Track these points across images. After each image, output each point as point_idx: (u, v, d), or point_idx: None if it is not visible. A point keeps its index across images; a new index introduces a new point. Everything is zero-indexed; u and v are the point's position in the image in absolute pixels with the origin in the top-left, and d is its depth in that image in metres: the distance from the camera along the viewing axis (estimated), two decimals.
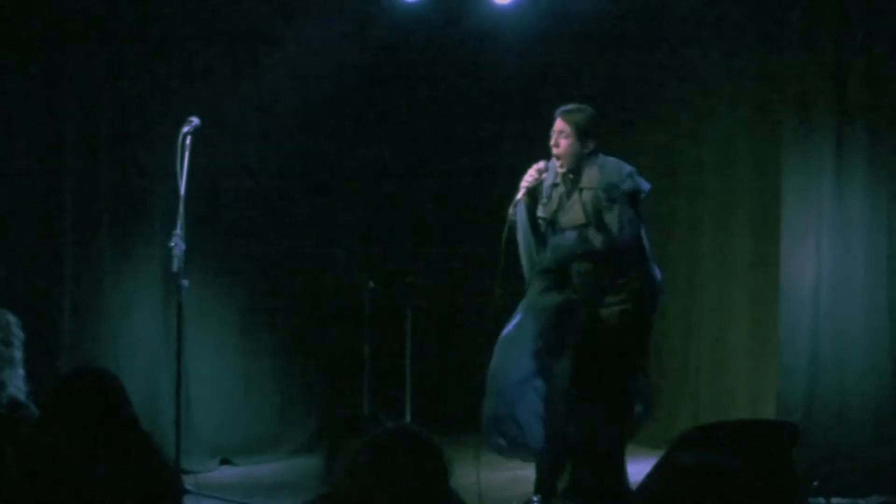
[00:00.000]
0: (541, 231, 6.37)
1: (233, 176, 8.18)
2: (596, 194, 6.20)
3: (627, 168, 6.27)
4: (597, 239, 6.20)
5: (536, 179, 6.28)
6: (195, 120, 6.65)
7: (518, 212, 6.36)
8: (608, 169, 6.25)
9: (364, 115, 8.72)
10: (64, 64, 7.44)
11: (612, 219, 6.16)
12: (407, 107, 8.97)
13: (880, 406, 6.65)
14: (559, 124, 6.27)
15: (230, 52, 8.11)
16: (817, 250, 6.77)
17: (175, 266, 6.64)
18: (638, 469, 6.19)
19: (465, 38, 8.96)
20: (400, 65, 8.90)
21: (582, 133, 6.24)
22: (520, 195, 6.30)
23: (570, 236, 6.29)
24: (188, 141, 6.62)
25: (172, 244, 6.62)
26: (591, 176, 6.24)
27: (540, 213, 6.35)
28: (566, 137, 6.24)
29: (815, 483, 6.15)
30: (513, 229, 6.40)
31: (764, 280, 7.18)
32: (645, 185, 6.29)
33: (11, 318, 5.32)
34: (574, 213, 6.27)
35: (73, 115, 7.47)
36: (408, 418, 7.34)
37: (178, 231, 6.61)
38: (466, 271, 9.21)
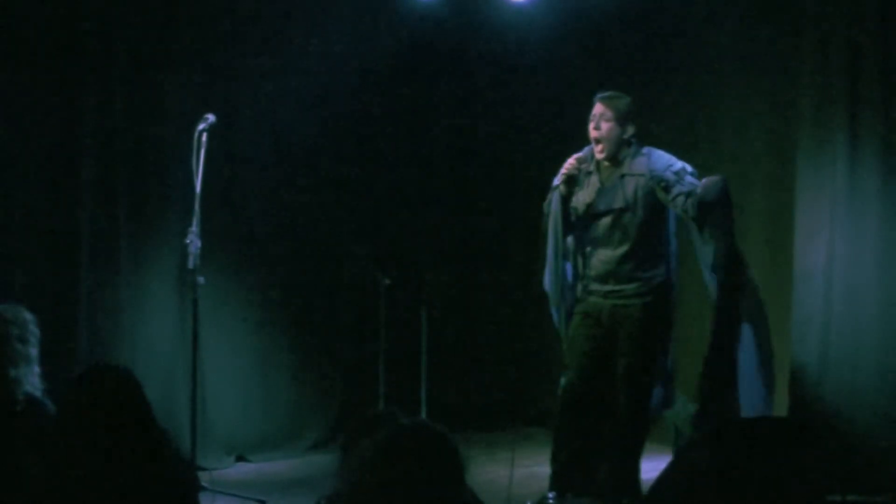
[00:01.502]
0: (571, 221, 6.34)
1: (249, 173, 8.19)
2: (640, 181, 6.19)
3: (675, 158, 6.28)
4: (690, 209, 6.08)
5: (575, 168, 6.25)
6: (211, 117, 6.66)
7: (553, 202, 6.34)
8: (655, 156, 6.25)
9: (379, 111, 8.72)
10: (80, 62, 7.46)
11: (689, 185, 6.10)
12: (422, 103, 8.97)
13: (894, 401, 6.63)
14: (599, 108, 6.27)
15: (246, 49, 8.12)
16: (831, 245, 6.75)
17: (191, 263, 6.64)
18: (651, 466, 6.20)
19: (480, 35, 8.96)
20: (415, 62, 8.90)
21: (622, 118, 6.25)
22: (558, 181, 6.27)
23: (605, 221, 6.29)
24: (204, 138, 6.63)
25: (188, 241, 6.62)
26: (638, 164, 6.23)
27: (572, 202, 6.33)
28: (608, 121, 6.24)
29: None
30: (546, 221, 6.38)
31: (777, 275, 7.15)
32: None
33: (28, 316, 5.32)
34: (613, 198, 6.25)
35: (89, 112, 7.48)
36: (423, 415, 7.35)
37: (194, 228, 6.62)
38: (482, 268, 9.22)
